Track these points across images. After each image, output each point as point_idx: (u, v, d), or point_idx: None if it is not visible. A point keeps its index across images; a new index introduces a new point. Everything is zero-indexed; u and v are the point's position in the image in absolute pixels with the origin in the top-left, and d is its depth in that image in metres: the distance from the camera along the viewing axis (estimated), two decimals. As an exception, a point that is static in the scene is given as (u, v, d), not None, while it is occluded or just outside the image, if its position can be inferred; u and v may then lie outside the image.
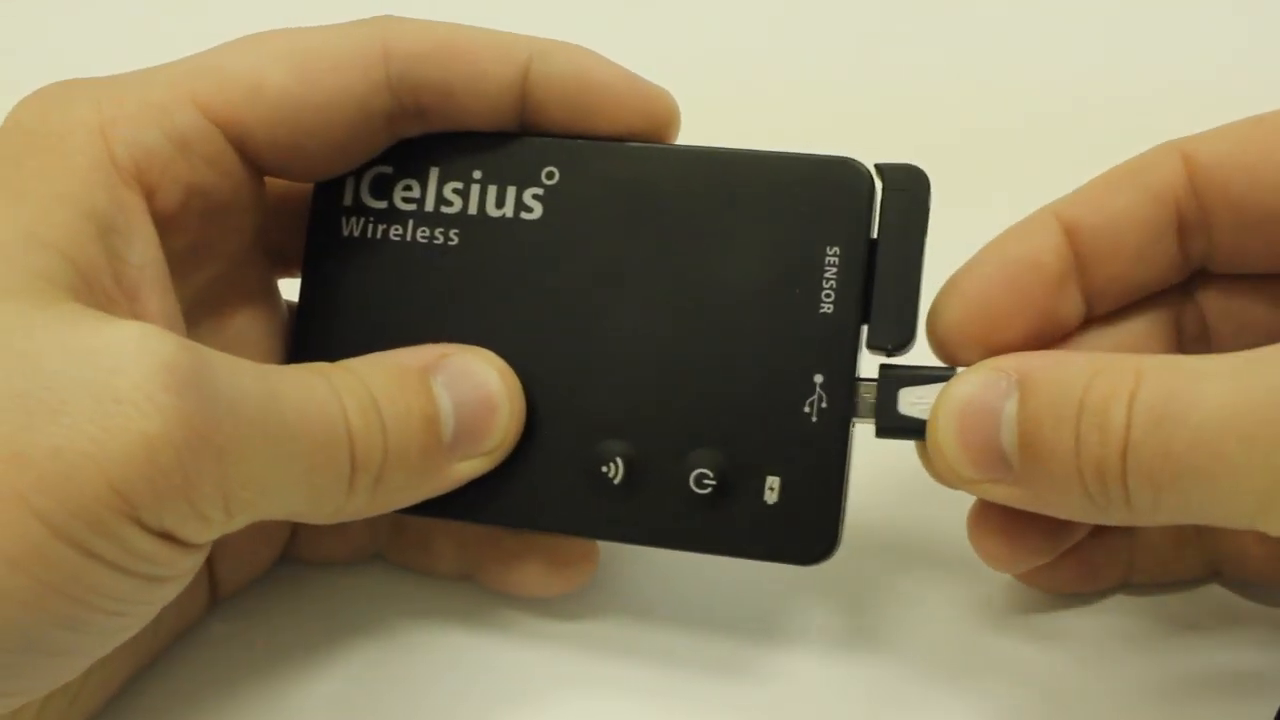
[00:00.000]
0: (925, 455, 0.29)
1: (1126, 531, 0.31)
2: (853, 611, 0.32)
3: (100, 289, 0.25)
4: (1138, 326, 0.29)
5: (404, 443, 0.27)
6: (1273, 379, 0.23)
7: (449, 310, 0.29)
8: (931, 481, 0.28)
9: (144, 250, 0.26)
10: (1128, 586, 0.32)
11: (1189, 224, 0.28)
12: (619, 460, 0.28)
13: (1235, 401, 0.23)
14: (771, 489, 0.28)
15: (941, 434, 0.27)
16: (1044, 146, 0.45)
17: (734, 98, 0.47)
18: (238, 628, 0.32)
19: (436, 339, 0.29)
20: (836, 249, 0.28)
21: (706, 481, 0.28)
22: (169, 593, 0.24)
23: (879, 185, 0.28)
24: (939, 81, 0.48)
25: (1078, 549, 0.30)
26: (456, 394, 0.28)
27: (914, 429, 0.28)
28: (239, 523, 0.24)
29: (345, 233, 0.30)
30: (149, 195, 0.27)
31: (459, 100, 0.29)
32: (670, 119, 0.29)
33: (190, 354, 0.23)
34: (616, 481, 0.28)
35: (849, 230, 0.28)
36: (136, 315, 0.26)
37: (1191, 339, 0.30)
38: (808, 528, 0.28)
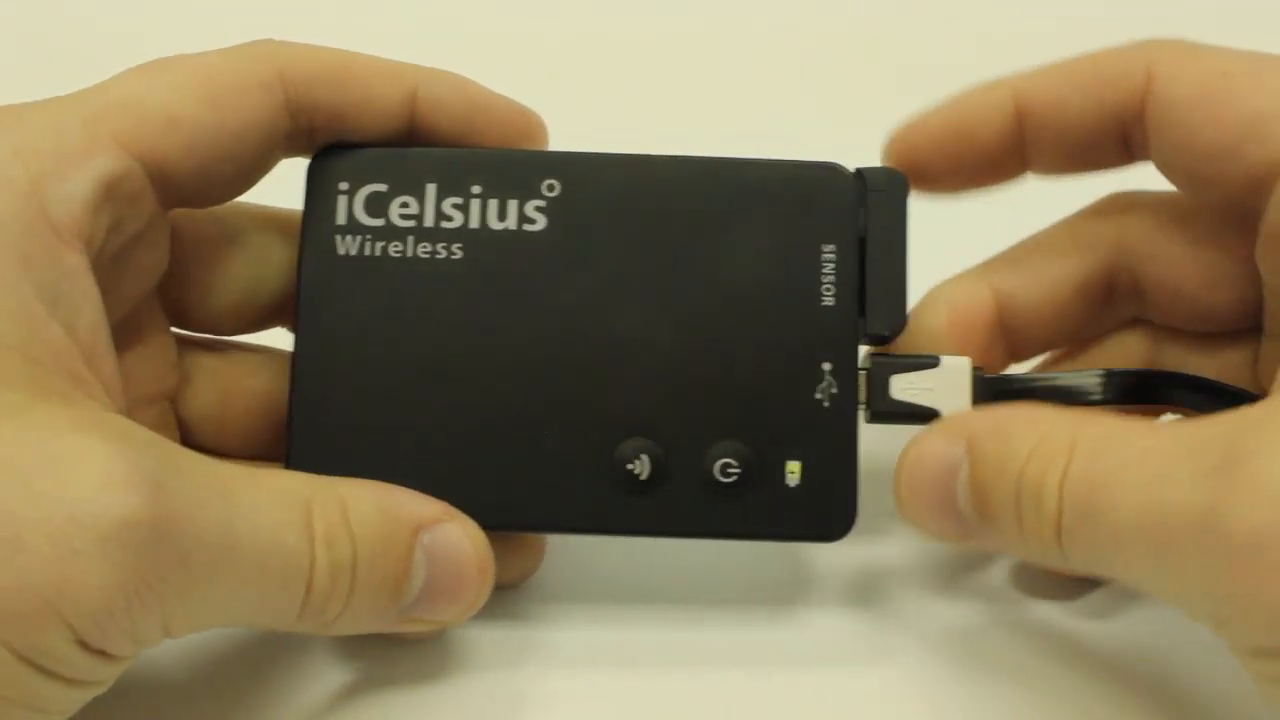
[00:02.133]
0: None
1: None
2: (853, 570, 0.34)
3: (62, 370, 0.25)
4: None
5: (364, 601, 0.27)
6: (1179, 497, 0.24)
7: (459, 321, 0.29)
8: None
9: (91, 312, 0.26)
10: None
11: (1121, 290, 0.31)
12: (644, 456, 0.29)
13: (1149, 511, 0.24)
14: (792, 472, 0.29)
15: (906, 499, 0.29)
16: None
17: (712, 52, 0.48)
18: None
19: (446, 350, 0.29)
20: (832, 246, 0.30)
21: (731, 470, 0.29)
22: (92, 694, 0.24)
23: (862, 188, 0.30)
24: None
25: None
26: (434, 565, 0.27)
27: (906, 413, 0.30)
28: (176, 637, 0.25)
29: (341, 251, 0.30)
30: (86, 245, 0.26)
31: (349, 121, 0.30)
32: (541, 134, 0.31)
33: (153, 500, 0.23)
34: (643, 478, 0.29)
35: (841, 229, 0.30)
36: (98, 379, 0.26)
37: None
38: (829, 506, 0.29)
